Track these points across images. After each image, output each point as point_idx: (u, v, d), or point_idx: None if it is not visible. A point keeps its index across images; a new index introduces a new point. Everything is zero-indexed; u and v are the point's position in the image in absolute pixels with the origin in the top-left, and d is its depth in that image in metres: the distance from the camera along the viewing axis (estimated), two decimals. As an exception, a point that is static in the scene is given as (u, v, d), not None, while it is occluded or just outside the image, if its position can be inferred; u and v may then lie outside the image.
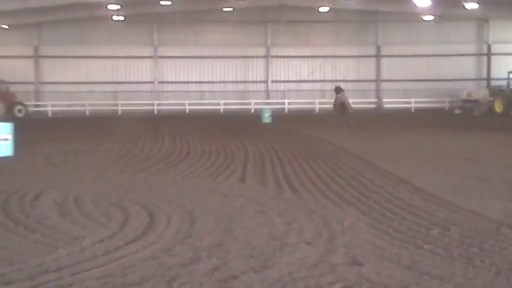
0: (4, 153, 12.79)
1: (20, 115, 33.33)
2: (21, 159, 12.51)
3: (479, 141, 15.86)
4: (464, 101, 35.09)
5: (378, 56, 40.77)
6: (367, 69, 40.76)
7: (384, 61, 40.70)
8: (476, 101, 34.33)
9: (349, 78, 40.57)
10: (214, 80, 39.88)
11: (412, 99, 38.74)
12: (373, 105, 39.43)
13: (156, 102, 38.74)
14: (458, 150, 13.37)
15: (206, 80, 39.74)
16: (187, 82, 39.89)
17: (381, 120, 28.50)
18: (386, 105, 38.58)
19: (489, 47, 40.60)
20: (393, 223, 6.16)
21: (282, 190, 8.38)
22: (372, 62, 40.85)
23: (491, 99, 33.68)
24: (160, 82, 39.87)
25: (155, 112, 38.00)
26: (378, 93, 40.69)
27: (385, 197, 7.68)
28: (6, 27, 36.27)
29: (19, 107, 34.44)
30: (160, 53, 39.63)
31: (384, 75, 40.76)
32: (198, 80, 39.65)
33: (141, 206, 7.10)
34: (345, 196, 7.78)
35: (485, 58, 40.87)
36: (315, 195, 7.91)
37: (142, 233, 5.80)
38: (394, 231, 5.81)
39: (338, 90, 24.22)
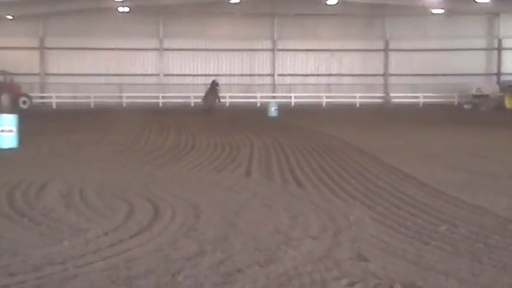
0: (9, 145, 12.86)
1: (25, 107, 33.47)
2: (26, 150, 12.58)
3: (488, 137, 15.80)
4: (474, 96, 34.91)
5: (386, 50, 40.63)
6: (374, 63, 40.62)
7: (392, 55, 40.56)
8: (485, 96, 34.18)
9: (356, 72, 40.49)
10: (220, 73, 39.83)
11: (421, 94, 38.64)
12: (380, 100, 39.35)
13: (161, 95, 38.77)
14: (466, 146, 13.33)
15: (212, 72, 39.72)
16: (193, 75, 39.92)
17: (388, 115, 28.43)
18: (394, 100, 38.49)
19: (500, 41, 40.35)
20: (399, 218, 6.16)
21: (288, 184, 8.40)
22: (380, 56, 40.71)
23: (500, 94, 33.53)
24: (165, 75, 39.91)
25: (160, 105, 38.05)
26: (385, 88, 40.57)
27: (391, 192, 7.68)
28: (10, 17, 36.34)
29: (24, 98, 34.56)
30: (166, 46, 39.64)
31: (392, 69, 40.63)
32: (203, 72, 39.60)
33: (146, 199, 7.13)
34: (350, 190, 7.79)
35: (495, 53, 40.63)
36: (321, 189, 7.93)
37: (147, 226, 5.83)
38: (400, 226, 5.82)
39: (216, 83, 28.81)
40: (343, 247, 5.08)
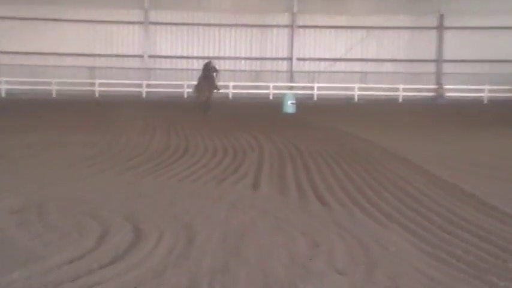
0: None
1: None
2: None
3: None
4: None
5: (439, 28, 40.57)
6: (424, 45, 40.57)
7: (448, 35, 40.46)
8: None
9: (400, 58, 40.43)
10: (222, 55, 39.93)
11: (486, 87, 38.45)
12: (431, 94, 39.27)
13: (146, 82, 38.93)
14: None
15: (211, 54, 39.79)
16: (187, 57, 40.09)
17: (441, 113, 28.36)
18: (449, 94, 38.39)
19: None
20: (453, 249, 6.13)
21: (307, 201, 8.40)
22: (432, 35, 40.64)
23: None
24: (151, 56, 40.10)
25: (144, 95, 38.16)
26: (438, 78, 40.47)
27: (443, 214, 7.63)
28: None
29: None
30: (152, 19, 39.85)
31: (448, 54, 40.53)
32: (200, 54, 39.71)
33: (125, 217, 7.15)
34: (389, 211, 7.77)
35: None
36: (350, 208, 7.92)
37: (125, 253, 5.84)
38: (457, 260, 5.79)
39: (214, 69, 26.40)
40: (379, 286, 5.06)
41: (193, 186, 9.51)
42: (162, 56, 40.21)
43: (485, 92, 38.49)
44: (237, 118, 23.42)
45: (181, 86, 38.02)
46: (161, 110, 26.62)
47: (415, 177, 10.34)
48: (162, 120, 21.47)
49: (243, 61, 40.53)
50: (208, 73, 25.41)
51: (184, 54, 40.22)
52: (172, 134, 17.13)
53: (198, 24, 39.92)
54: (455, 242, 6.41)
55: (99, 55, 39.47)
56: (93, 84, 38.44)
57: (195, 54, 40.01)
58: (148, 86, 38.93)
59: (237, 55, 40.52)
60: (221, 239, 6.32)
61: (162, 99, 35.20)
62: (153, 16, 39.82)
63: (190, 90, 37.74)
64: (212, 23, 39.86)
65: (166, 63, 40.16)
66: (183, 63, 40.05)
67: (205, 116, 23.40)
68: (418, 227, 7.00)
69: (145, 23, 39.86)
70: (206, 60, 27.60)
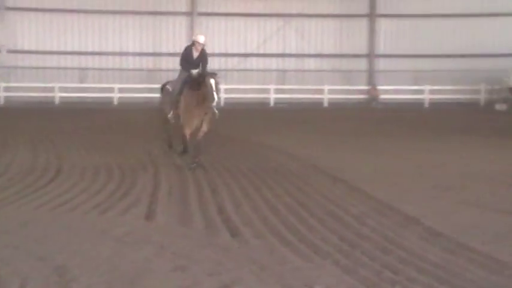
0: None
1: None
2: None
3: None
4: None
5: (371, 16, 41.61)
6: (354, 37, 41.51)
7: (382, 24, 41.59)
8: None
9: (326, 52, 41.12)
10: (104, 50, 39.60)
11: (427, 87, 39.53)
12: (363, 96, 40.09)
13: (3, 85, 38.01)
14: (500, 172, 13.75)
15: (90, 49, 39.30)
16: (58, 53, 39.50)
17: (375, 120, 28.94)
18: (384, 97, 39.27)
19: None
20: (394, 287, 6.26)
21: (216, 232, 8.40)
22: (363, 25, 41.62)
23: None
24: (10, 51, 39.23)
25: (1, 101, 37.24)
26: (371, 76, 41.42)
27: (381, 245, 7.79)
28: None
29: None
30: (9, 3, 38.99)
31: (381, 47, 41.64)
32: (76, 49, 39.38)
33: (-25, 260, 6.91)
34: (317, 244, 7.84)
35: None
36: (269, 241, 7.95)
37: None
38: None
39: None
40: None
41: (69, 217, 9.31)
42: (25, 51, 39.36)
43: (425, 93, 39.56)
44: (125, 128, 23.13)
45: (51, 89, 37.38)
46: (25, 119, 25.98)
47: (347, 198, 10.52)
48: (27, 132, 21.00)
49: (131, 57, 40.20)
50: (201, 77, 14.53)
51: (55, 49, 39.50)
52: (40, 150, 16.74)
53: (73, 11, 39.30)
54: (395, 278, 6.54)
55: None
56: None
57: (69, 49, 39.55)
58: (6, 89, 38.02)
59: (124, 50, 40.18)
60: (105, 286, 6.20)
61: (25, 106, 34.41)
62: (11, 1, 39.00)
63: (62, 94, 37.34)
64: (91, 9, 39.36)
65: (30, 60, 39.29)
66: (53, 61, 39.28)
67: (180, 155, 15.37)
68: (351, 261, 7.10)
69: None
70: (193, 38, 15.70)
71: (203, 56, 14.90)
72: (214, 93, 13.72)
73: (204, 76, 14.20)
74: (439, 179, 12.75)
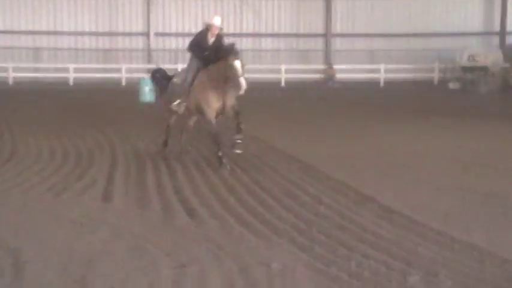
0: None
1: None
2: None
3: (488, 136, 16.58)
4: (465, 68, 36.37)
5: (327, -5, 41.66)
6: (311, 17, 41.59)
7: (338, 4, 41.66)
8: (483, 68, 35.59)
9: (282, 31, 41.10)
10: (59, 29, 39.21)
11: (382, 66, 39.76)
12: (320, 76, 40.21)
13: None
14: (453, 151, 13.98)
15: (44, 29, 38.81)
16: (11, 32, 38.85)
17: (331, 100, 29.06)
18: (340, 76, 39.46)
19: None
20: (349, 264, 6.36)
21: (173, 214, 8.42)
22: (319, 5, 41.69)
23: (507, 66, 35.02)
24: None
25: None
26: (327, 56, 41.53)
27: (337, 223, 7.89)
28: None
29: None
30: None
31: (338, 26, 41.80)
32: (30, 28, 38.91)
33: None
34: (274, 223, 7.91)
35: (498, 1, 42.48)
36: (226, 221, 8.00)
37: None
38: (351, 276, 6.01)
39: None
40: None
41: (23, 199, 9.25)
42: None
43: (381, 72, 39.67)
44: (81, 110, 22.90)
45: (4, 69, 36.88)
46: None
47: (305, 179, 10.60)
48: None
49: (86, 37, 39.74)
50: (218, 53, 13.04)
51: (8, 29, 38.91)
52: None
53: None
54: (350, 255, 6.64)
55: None
56: None
57: (23, 28, 39.03)
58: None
59: (79, 29, 39.73)
60: (61, 269, 6.17)
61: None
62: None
63: (16, 75, 36.75)
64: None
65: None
66: (6, 40, 38.66)
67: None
68: (307, 239, 7.19)
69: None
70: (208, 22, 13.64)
71: (219, 41, 13.15)
72: (242, 79, 12.05)
73: (225, 53, 12.34)
74: (394, 159, 12.95)
